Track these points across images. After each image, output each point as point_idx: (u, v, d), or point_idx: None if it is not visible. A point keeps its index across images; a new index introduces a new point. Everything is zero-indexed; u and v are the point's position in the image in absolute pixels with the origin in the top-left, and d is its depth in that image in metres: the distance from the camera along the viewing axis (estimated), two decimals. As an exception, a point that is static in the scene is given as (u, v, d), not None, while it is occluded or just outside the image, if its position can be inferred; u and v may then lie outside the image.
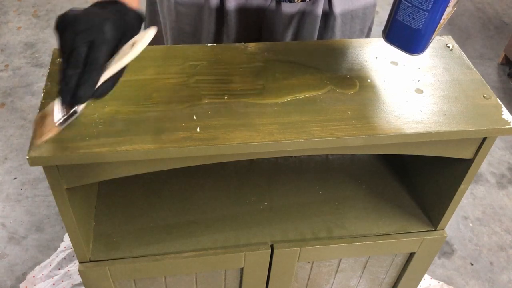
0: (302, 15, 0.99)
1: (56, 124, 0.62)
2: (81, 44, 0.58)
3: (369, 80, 0.80)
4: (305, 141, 0.69)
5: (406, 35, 0.71)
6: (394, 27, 0.71)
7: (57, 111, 0.62)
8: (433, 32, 0.70)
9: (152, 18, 1.11)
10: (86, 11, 0.62)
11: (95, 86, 0.60)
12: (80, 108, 0.63)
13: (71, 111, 0.62)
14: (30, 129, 1.99)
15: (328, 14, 0.99)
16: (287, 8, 0.96)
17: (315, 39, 1.01)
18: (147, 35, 0.63)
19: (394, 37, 0.73)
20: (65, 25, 0.59)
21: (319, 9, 0.97)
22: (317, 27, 1.00)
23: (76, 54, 0.58)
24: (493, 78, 2.49)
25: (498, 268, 1.68)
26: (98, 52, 0.59)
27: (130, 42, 0.64)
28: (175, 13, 1.00)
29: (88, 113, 0.70)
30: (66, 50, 0.59)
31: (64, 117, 0.62)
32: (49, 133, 0.62)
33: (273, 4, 0.96)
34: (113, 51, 0.62)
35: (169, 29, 1.05)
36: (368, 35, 1.10)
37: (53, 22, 2.58)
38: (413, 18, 0.68)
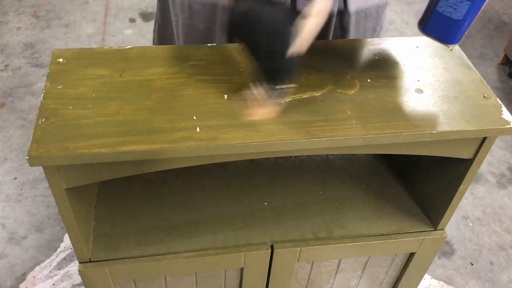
0: None
1: (266, 103, 0.72)
2: (266, 36, 0.67)
3: (369, 80, 0.80)
4: (305, 141, 0.69)
5: (445, 26, 0.72)
6: (433, 18, 0.72)
7: (262, 95, 0.72)
8: (471, 22, 0.71)
9: (163, 15, 1.11)
10: (251, 9, 0.68)
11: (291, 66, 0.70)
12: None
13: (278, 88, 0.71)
14: (30, 129, 1.99)
15: (342, 12, 0.99)
16: (302, 5, 0.96)
17: (330, 38, 1.01)
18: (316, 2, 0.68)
19: (432, 28, 0.73)
20: (242, 24, 0.68)
21: (335, 6, 0.97)
22: (332, 25, 1.00)
23: (266, 46, 0.67)
24: (493, 78, 2.49)
25: (498, 268, 1.68)
26: (284, 39, 0.67)
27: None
28: (188, 10, 1.00)
29: (88, 113, 0.70)
30: (254, 44, 0.68)
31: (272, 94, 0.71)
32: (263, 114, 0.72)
33: (289, 1, 0.96)
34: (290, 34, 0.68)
35: (181, 27, 1.05)
36: (379, 34, 1.10)
37: (53, 22, 2.59)
38: (455, 9, 0.69)
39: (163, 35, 1.16)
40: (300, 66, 0.71)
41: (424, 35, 0.75)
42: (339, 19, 1.00)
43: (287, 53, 0.67)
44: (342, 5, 0.99)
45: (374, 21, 1.05)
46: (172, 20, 1.09)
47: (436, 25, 0.72)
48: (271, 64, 0.69)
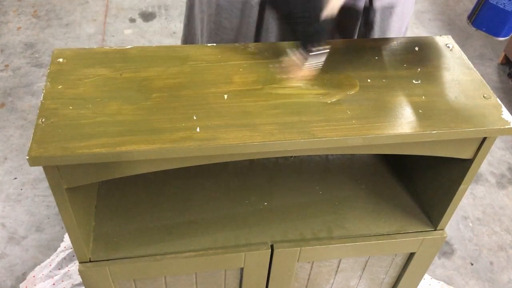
0: (344, 9, 0.99)
1: (305, 66, 0.78)
2: (301, 2, 0.75)
3: (369, 80, 0.80)
4: (305, 141, 0.69)
5: (497, 19, 0.72)
6: (485, 11, 0.73)
7: (299, 58, 0.78)
8: None
9: (189, 10, 1.12)
10: None
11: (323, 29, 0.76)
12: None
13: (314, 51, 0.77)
14: (30, 129, 1.99)
15: (368, 9, 0.99)
16: None
17: (355, 36, 1.01)
18: None
19: (482, 21, 0.74)
20: None
21: (361, 2, 0.97)
22: (359, 22, 1.00)
23: (302, 11, 0.75)
24: (493, 78, 2.48)
25: (498, 268, 1.68)
26: (317, 3, 0.74)
27: None
28: (215, 7, 1.00)
29: (88, 113, 0.70)
30: (290, 11, 0.77)
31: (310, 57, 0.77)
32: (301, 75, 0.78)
33: None
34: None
35: (206, 23, 1.05)
36: (405, 34, 1.11)
37: (53, 22, 2.59)
38: (509, 0, 0.69)
39: (187, 31, 1.17)
40: (331, 29, 0.78)
41: (474, 28, 0.76)
42: (364, 17, 1.01)
43: (321, 17, 0.73)
44: (367, 2, 0.99)
45: (399, 21, 1.05)
46: (197, 17, 1.09)
47: (488, 18, 0.73)
48: (307, 28, 0.75)
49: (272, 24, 1.00)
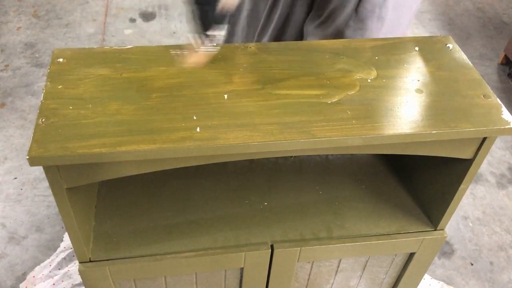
0: None
1: (199, 50, 0.80)
2: None
3: (369, 80, 0.80)
4: (305, 141, 0.69)
5: None
6: None
7: (195, 42, 0.80)
8: None
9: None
10: None
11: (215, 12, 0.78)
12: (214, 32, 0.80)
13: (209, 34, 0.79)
14: (30, 129, 1.99)
15: None
16: None
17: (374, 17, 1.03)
18: None
19: None
20: None
21: None
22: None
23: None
24: (493, 78, 2.48)
25: (498, 268, 1.68)
26: None
27: None
28: None
29: (88, 113, 0.70)
30: None
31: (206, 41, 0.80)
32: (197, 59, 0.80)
33: None
34: None
35: (245, 16, 1.09)
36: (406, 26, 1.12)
37: (53, 22, 2.59)
38: None
39: (230, 28, 1.20)
40: (228, 16, 0.80)
41: None
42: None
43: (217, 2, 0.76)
44: None
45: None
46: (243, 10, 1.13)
47: None
48: (203, 11, 0.77)
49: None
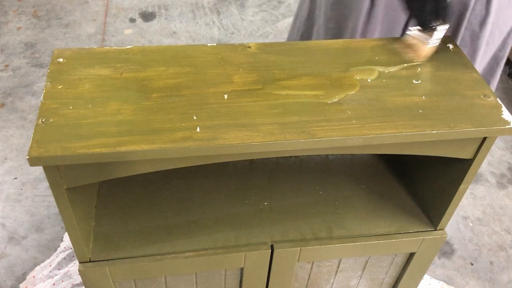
0: None
1: (429, 45, 0.83)
2: None
3: (369, 80, 0.80)
4: (305, 141, 0.69)
5: None
6: None
7: (422, 37, 0.83)
8: None
9: (310, 9, 1.16)
10: None
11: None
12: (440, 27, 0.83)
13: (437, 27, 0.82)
14: (30, 129, 1.99)
15: None
16: None
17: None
18: None
19: None
20: None
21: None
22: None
23: None
24: (493, 78, 2.48)
25: (498, 268, 1.68)
26: None
27: None
28: None
29: (88, 113, 0.70)
30: None
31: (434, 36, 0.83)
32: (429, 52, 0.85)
33: None
34: None
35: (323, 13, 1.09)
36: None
37: (53, 22, 2.59)
38: None
39: (305, 30, 1.22)
40: (450, 7, 0.83)
41: None
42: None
43: None
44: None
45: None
46: (315, 13, 1.12)
47: None
48: (428, 5, 0.80)
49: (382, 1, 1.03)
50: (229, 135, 0.68)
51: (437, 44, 0.84)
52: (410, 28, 0.85)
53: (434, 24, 0.81)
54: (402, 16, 1.04)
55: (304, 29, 1.24)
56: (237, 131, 0.69)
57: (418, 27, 0.83)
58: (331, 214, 0.94)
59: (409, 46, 0.85)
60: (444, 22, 0.82)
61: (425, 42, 0.83)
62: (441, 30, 0.82)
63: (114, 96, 0.73)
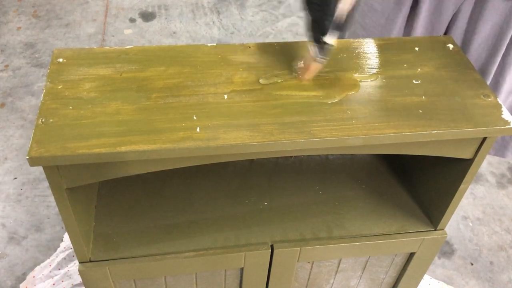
0: None
1: (317, 59, 0.77)
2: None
3: (369, 80, 0.80)
4: (305, 141, 0.69)
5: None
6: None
7: (313, 52, 0.77)
8: None
9: None
10: None
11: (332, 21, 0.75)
12: (329, 40, 0.77)
13: (324, 44, 0.77)
14: (30, 129, 1.99)
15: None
16: None
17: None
18: None
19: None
20: None
21: None
22: None
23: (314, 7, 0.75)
24: (493, 78, 2.48)
25: (498, 268, 1.68)
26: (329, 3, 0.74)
27: None
28: None
29: (88, 113, 0.70)
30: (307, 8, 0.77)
31: (319, 51, 0.77)
32: (314, 70, 0.79)
33: None
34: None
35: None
36: None
37: (53, 22, 2.59)
38: None
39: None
40: (348, 24, 0.78)
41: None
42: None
43: (334, 11, 0.74)
44: None
45: None
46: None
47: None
48: (321, 20, 0.75)
49: (422, 14, 1.01)
50: (229, 135, 0.68)
51: (323, 62, 0.78)
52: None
53: (323, 41, 0.76)
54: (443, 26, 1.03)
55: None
56: (237, 131, 0.69)
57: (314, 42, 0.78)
58: (331, 214, 0.94)
59: (304, 66, 0.80)
60: (333, 39, 0.76)
61: (315, 58, 0.77)
62: (330, 48, 0.77)
63: (114, 96, 0.73)
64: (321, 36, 0.75)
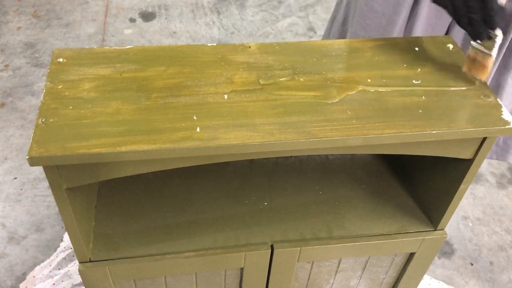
0: None
1: (491, 53, 0.77)
2: None
3: (369, 80, 0.80)
4: (305, 141, 0.69)
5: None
6: None
7: (483, 48, 0.77)
8: None
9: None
10: None
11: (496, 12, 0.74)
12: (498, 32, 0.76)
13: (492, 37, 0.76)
14: (30, 129, 1.99)
15: None
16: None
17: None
18: None
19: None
20: None
21: None
22: None
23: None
24: (493, 78, 2.48)
25: (498, 268, 1.68)
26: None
27: None
28: None
29: (88, 113, 0.70)
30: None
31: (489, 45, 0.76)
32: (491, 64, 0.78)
33: None
34: None
35: (358, 5, 1.06)
36: None
37: (53, 22, 2.59)
38: None
39: (339, 37, 1.21)
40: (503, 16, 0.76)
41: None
42: None
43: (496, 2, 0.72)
44: None
45: None
46: (344, 3, 1.09)
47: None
48: (472, 15, 0.74)
49: (423, 14, 1.01)
50: (229, 135, 0.68)
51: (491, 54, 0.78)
52: (472, 43, 0.79)
53: (490, 33, 0.75)
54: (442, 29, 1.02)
55: (338, 36, 1.22)
56: (237, 131, 0.69)
57: (477, 41, 0.77)
58: (331, 214, 0.94)
59: (474, 61, 0.80)
60: (494, 29, 0.75)
61: (489, 54, 0.77)
62: (497, 38, 0.76)
63: (114, 96, 0.73)
64: (490, 31, 0.75)
